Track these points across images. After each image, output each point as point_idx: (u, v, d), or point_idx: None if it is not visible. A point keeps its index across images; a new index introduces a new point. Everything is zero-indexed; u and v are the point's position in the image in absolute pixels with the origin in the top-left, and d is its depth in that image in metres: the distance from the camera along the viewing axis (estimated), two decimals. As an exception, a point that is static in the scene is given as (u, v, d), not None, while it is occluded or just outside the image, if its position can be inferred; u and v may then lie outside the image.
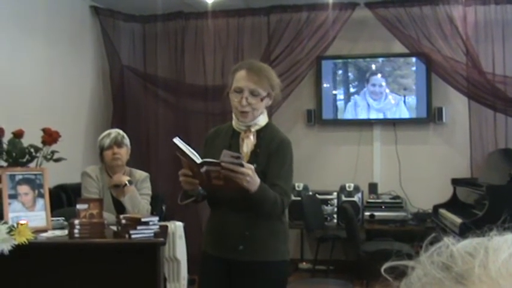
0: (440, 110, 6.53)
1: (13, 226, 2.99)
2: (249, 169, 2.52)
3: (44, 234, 3.36)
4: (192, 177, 2.62)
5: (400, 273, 0.65)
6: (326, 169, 6.81)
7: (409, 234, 5.96)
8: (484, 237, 0.63)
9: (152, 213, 4.04)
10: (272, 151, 2.75)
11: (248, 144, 2.78)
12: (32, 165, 3.62)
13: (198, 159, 2.55)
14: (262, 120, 2.83)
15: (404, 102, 6.62)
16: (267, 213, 2.68)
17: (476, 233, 0.64)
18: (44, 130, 3.71)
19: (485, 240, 0.62)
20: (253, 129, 2.80)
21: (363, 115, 6.72)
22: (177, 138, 2.61)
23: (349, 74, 6.78)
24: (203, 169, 2.53)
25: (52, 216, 3.62)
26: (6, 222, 3.15)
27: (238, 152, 2.71)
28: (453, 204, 5.79)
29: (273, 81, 2.79)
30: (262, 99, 2.75)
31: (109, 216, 3.70)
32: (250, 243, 2.71)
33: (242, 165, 2.49)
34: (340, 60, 6.81)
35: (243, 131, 2.81)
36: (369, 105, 6.69)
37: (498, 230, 0.64)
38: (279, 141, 2.79)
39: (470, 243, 0.63)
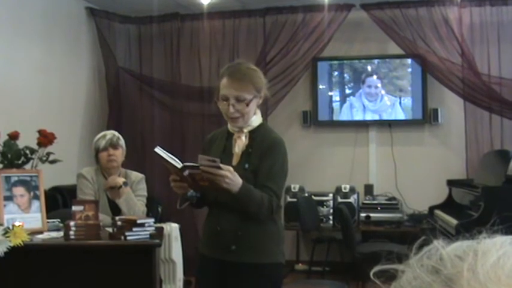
0: (435, 111, 6.54)
1: (8, 228, 2.99)
2: (227, 171, 2.56)
3: (40, 236, 3.36)
4: (181, 181, 2.70)
5: (391, 276, 0.65)
6: (322, 170, 6.82)
7: (405, 235, 5.96)
8: (474, 239, 0.64)
9: (148, 215, 4.04)
10: (263, 151, 2.76)
11: (239, 144, 2.80)
12: (28, 166, 3.62)
13: (179, 164, 2.64)
14: (255, 121, 2.84)
15: (400, 103, 6.63)
16: (254, 213, 2.69)
17: (465, 235, 0.64)
18: (40, 132, 3.71)
19: (474, 243, 0.62)
20: (245, 130, 2.81)
21: (358, 116, 6.73)
22: (158, 147, 2.73)
23: (345, 75, 6.79)
24: (186, 173, 2.63)
25: (47, 218, 3.62)
26: (1, 224, 3.15)
27: (230, 153, 2.79)
28: (449, 206, 5.79)
29: (257, 83, 2.78)
30: (248, 104, 2.75)
31: (104, 218, 3.70)
32: (243, 243, 2.72)
33: (220, 168, 2.54)
34: (335, 62, 6.81)
35: (236, 132, 2.83)
36: (364, 106, 6.70)
37: (487, 232, 0.64)
38: (270, 141, 2.79)
39: (460, 246, 0.63)
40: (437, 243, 0.63)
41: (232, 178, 2.56)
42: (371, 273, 0.65)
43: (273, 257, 2.78)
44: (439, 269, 0.60)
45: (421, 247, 0.65)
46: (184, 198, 2.80)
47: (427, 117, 6.55)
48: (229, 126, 2.87)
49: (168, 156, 2.66)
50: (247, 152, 2.78)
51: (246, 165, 2.72)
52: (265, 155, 2.75)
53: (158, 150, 2.69)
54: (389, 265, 0.65)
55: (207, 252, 2.85)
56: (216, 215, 2.82)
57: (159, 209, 5.20)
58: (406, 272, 0.63)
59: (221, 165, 2.55)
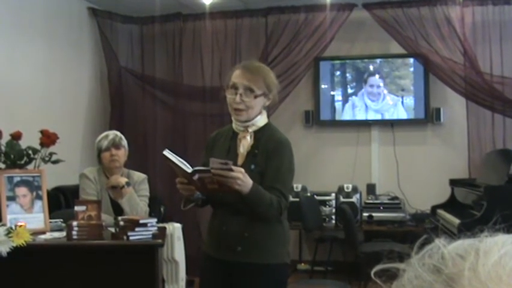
0: (438, 110, 6.53)
1: (11, 228, 3.00)
2: (239, 172, 2.54)
3: (42, 236, 3.36)
4: (188, 184, 2.67)
5: (392, 275, 0.65)
6: (324, 170, 6.81)
7: (407, 235, 5.95)
8: (476, 238, 0.63)
9: (150, 215, 4.04)
10: (270, 152, 2.74)
11: (244, 144, 2.78)
12: (30, 167, 3.62)
13: (188, 169, 2.60)
14: (261, 121, 2.82)
15: (402, 103, 6.63)
16: (263, 214, 2.68)
17: (467, 234, 0.64)
18: (42, 132, 3.71)
19: (476, 242, 0.62)
20: (250, 130, 2.80)
21: (360, 116, 6.73)
22: (167, 150, 2.68)
23: (347, 75, 6.79)
24: (195, 177, 2.59)
25: (50, 218, 3.61)
26: (4, 224, 3.15)
27: (235, 153, 2.76)
28: (451, 205, 5.79)
29: (269, 81, 2.78)
30: (256, 97, 2.74)
31: (107, 218, 3.70)
32: (248, 244, 2.71)
33: (232, 170, 2.52)
34: (338, 61, 6.81)
35: (241, 131, 2.82)
36: (366, 106, 6.69)
37: (489, 231, 0.64)
38: (276, 141, 2.78)
39: (461, 244, 0.62)
40: (439, 242, 0.63)
41: (244, 179, 2.54)
42: (372, 273, 0.65)
43: (279, 257, 2.77)
44: (441, 268, 0.60)
45: (422, 246, 0.64)
46: (190, 200, 2.80)
47: (429, 116, 6.55)
48: (233, 125, 2.86)
49: (178, 160, 2.63)
50: (253, 153, 2.76)
51: (252, 166, 2.70)
52: (271, 156, 2.74)
53: (167, 153, 2.65)
54: (391, 264, 0.65)
55: (212, 253, 2.84)
56: (221, 216, 2.80)
57: (162, 209, 5.21)
58: (407, 271, 0.63)
59: (233, 167, 2.53)
